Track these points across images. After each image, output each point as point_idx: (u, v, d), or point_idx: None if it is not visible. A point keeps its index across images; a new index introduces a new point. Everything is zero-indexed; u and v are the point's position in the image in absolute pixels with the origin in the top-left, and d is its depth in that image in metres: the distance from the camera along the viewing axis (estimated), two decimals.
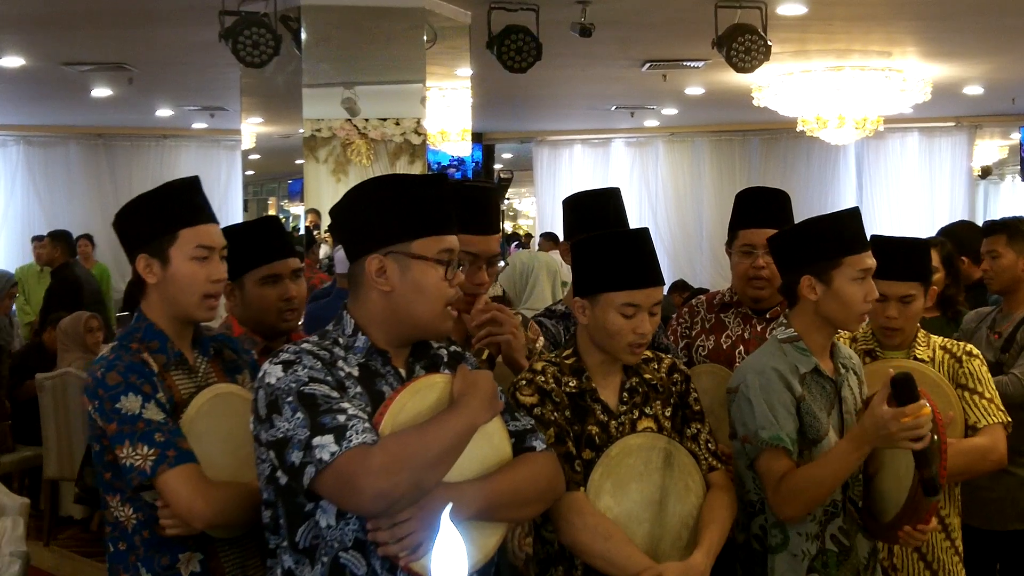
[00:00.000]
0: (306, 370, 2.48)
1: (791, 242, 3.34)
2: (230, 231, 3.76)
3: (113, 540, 2.90)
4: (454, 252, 2.60)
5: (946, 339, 3.81)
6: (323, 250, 8.92)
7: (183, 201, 2.96)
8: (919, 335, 3.75)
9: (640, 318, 3.01)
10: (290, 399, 2.43)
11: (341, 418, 2.39)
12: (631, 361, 3.09)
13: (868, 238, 3.32)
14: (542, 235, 14.98)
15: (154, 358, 2.87)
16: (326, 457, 2.34)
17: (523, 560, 3.13)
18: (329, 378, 2.49)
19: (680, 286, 12.19)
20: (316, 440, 2.36)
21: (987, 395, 3.65)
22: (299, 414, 2.40)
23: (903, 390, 3.00)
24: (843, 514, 3.27)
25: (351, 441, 2.35)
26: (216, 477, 2.80)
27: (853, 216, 3.31)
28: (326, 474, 2.35)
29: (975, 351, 3.75)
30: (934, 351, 3.72)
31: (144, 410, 2.75)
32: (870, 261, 3.24)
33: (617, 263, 3.03)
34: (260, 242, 3.65)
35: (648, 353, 3.19)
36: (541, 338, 3.58)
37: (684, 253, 16.09)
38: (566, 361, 3.10)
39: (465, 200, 3.14)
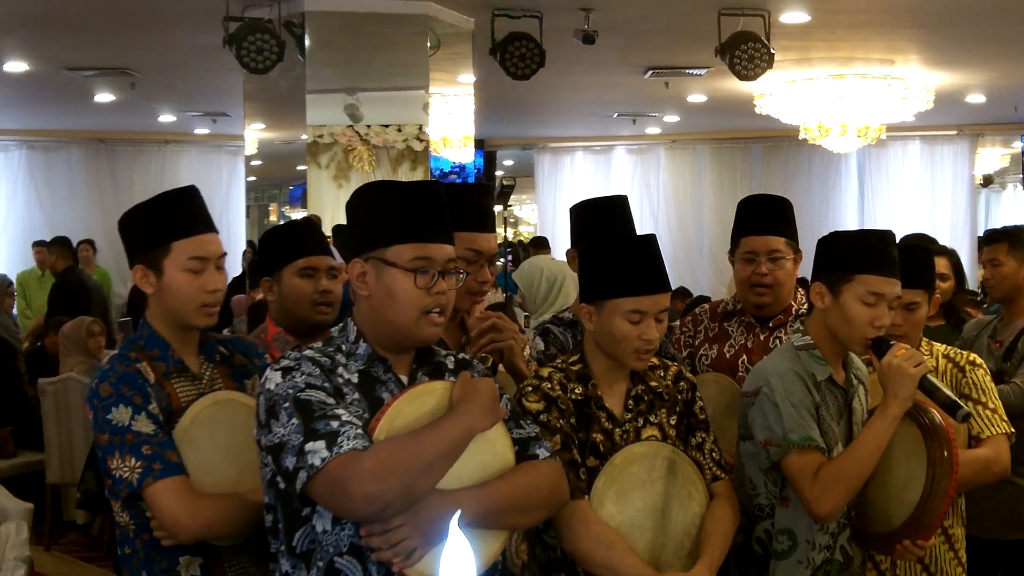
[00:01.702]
0: (303, 376, 2.50)
1: (821, 247, 3.35)
2: (272, 231, 3.89)
3: (120, 544, 2.93)
4: (433, 260, 2.59)
5: (949, 348, 3.80)
6: None
7: (177, 212, 2.95)
8: (922, 344, 3.74)
9: (646, 324, 3.01)
10: (286, 405, 2.45)
11: (334, 424, 2.40)
12: (638, 367, 3.09)
13: (894, 265, 3.25)
14: (531, 242, 14.92)
15: (153, 366, 2.88)
16: (317, 462, 2.36)
17: (520, 566, 3.13)
18: (327, 384, 2.51)
19: (681, 293, 12.19)
20: (309, 446, 2.38)
21: (991, 405, 3.63)
22: (294, 420, 2.42)
23: (880, 345, 3.19)
24: (851, 524, 3.28)
25: (342, 447, 2.36)
26: (216, 485, 2.80)
27: (882, 238, 3.27)
28: (318, 479, 2.37)
29: (979, 360, 3.74)
30: (937, 360, 3.71)
31: (134, 422, 2.75)
32: (888, 288, 3.19)
33: (624, 269, 3.03)
34: (298, 238, 3.73)
35: (655, 360, 3.19)
36: (528, 347, 3.58)
37: (685, 260, 16.09)
38: (572, 368, 3.10)
39: (468, 199, 3.19)
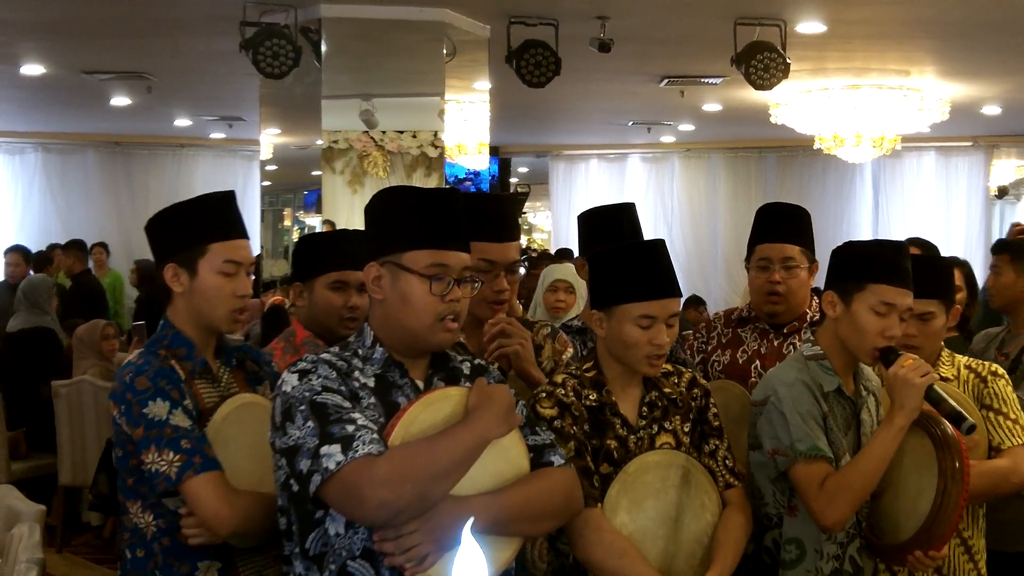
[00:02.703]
0: (320, 379, 2.51)
1: (835, 256, 3.37)
2: (309, 238, 3.99)
3: (132, 547, 2.91)
4: (449, 267, 2.60)
5: (971, 359, 3.78)
6: None
7: (217, 215, 2.99)
8: (943, 354, 3.72)
9: (657, 329, 3.01)
10: (302, 408, 2.46)
11: (350, 428, 2.41)
12: (650, 373, 3.09)
13: (907, 276, 3.26)
14: (557, 253, 14.94)
15: (180, 365, 2.90)
16: (332, 466, 2.37)
17: (542, 571, 3.13)
18: (343, 388, 2.52)
19: (694, 301, 12.17)
20: (324, 449, 2.39)
21: (1012, 416, 3.61)
22: (310, 423, 2.43)
23: (888, 355, 3.19)
24: (863, 535, 3.27)
25: (357, 451, 2.37)
26: (240, 486, 2.82)
27: (896, 249, 3.29)
28: (331, 483, 2.37)
29: (1000, 371, 3.72)
30: (959, 370, 3.69)
31: (171, 416, 2.77)
32: (900, 299, 3.20)
33: (633, 274, 3.04)
34: (335, 250, 3.75)
35: (668, 367, 3.19)
36: (570, 348, 3.59)
37: (698, 269, 16.07)
38: (587, 374, 3.10)
39: (482, 209, 3.20)
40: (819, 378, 3.25)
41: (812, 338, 3.37)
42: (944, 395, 3.14)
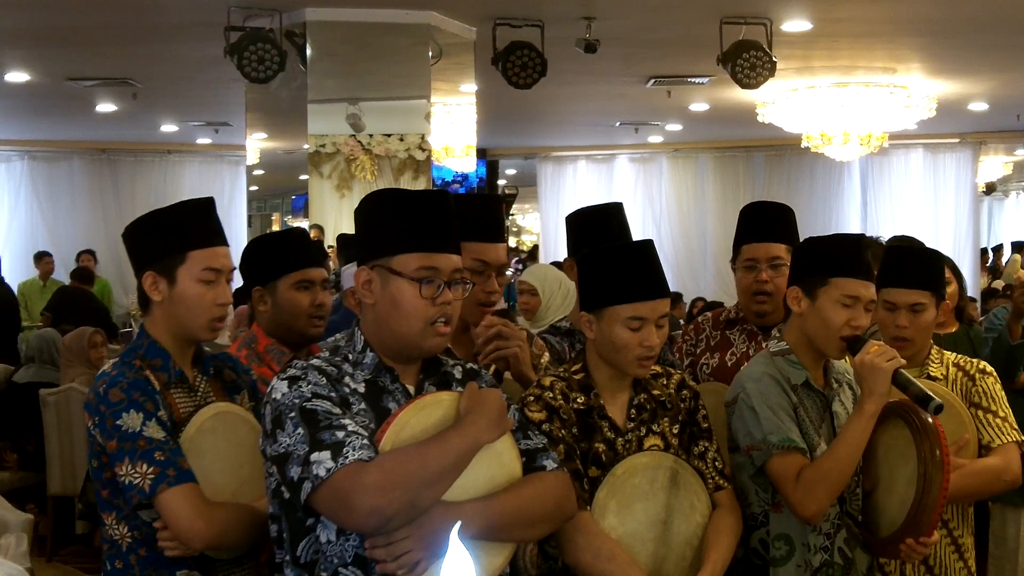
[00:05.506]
0: (310, 386, 2.49)
1: (797, 254, 3.40)
2: (263, 239, 3.87)
3: (110, 558, 2.88)
4: (439, 271, 2.57)
5: (959, 356, 3.78)
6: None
7: (196, 222, 2.95)
8: (932, 352, 3.72)
9: (647, 331, 2.99)
10: (292, 415, 2.44)
11: (340, 434, 2.39)
12: (640, 375, 3.07)
13: (868, 268, 3.27)
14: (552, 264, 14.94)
15: (156, 376, 2.86)
16: (322, 473, 2.35)
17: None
18: (333, 394, 2.49)
19: (676, 299, 12.18)
20: (314, 456, 2.37)
21: (1001, 413, 3.61)
22: (300, 430, 2.41)
23: (855, 343, 3.20)
24: (847, 526, 3.27)
25: (347, 458, 2.35)
26: (216, 496, 2.79)
27: (854, 242, 3.31)
28: (322, 490, 2.35)
29: (989, 368, 3.71)
30: (947, 368, 3.69)
31: (145, 428, 2.73)
32: (863, 290, 3.22)
33: (622, 276, 3.02)
34: (294, 249, 3.70)
35: (657, 368, 3.18)
36: (546, 353, 3.57)
37: (688, 269, 16.10)
38: (575, 377, 3.08)
39: (475, 209, 3.18)
40: (786, 372, 3.26)
41: (779, 335, 3.37)
42: (911, 378, 3.15)
